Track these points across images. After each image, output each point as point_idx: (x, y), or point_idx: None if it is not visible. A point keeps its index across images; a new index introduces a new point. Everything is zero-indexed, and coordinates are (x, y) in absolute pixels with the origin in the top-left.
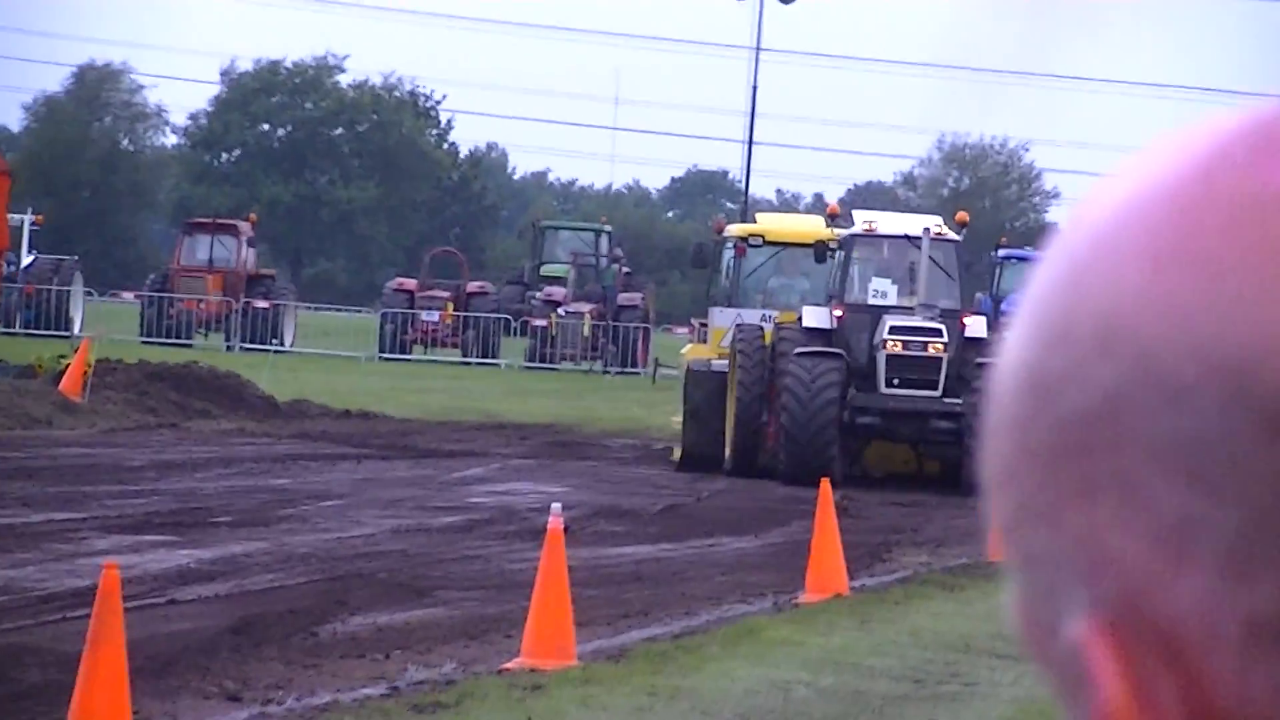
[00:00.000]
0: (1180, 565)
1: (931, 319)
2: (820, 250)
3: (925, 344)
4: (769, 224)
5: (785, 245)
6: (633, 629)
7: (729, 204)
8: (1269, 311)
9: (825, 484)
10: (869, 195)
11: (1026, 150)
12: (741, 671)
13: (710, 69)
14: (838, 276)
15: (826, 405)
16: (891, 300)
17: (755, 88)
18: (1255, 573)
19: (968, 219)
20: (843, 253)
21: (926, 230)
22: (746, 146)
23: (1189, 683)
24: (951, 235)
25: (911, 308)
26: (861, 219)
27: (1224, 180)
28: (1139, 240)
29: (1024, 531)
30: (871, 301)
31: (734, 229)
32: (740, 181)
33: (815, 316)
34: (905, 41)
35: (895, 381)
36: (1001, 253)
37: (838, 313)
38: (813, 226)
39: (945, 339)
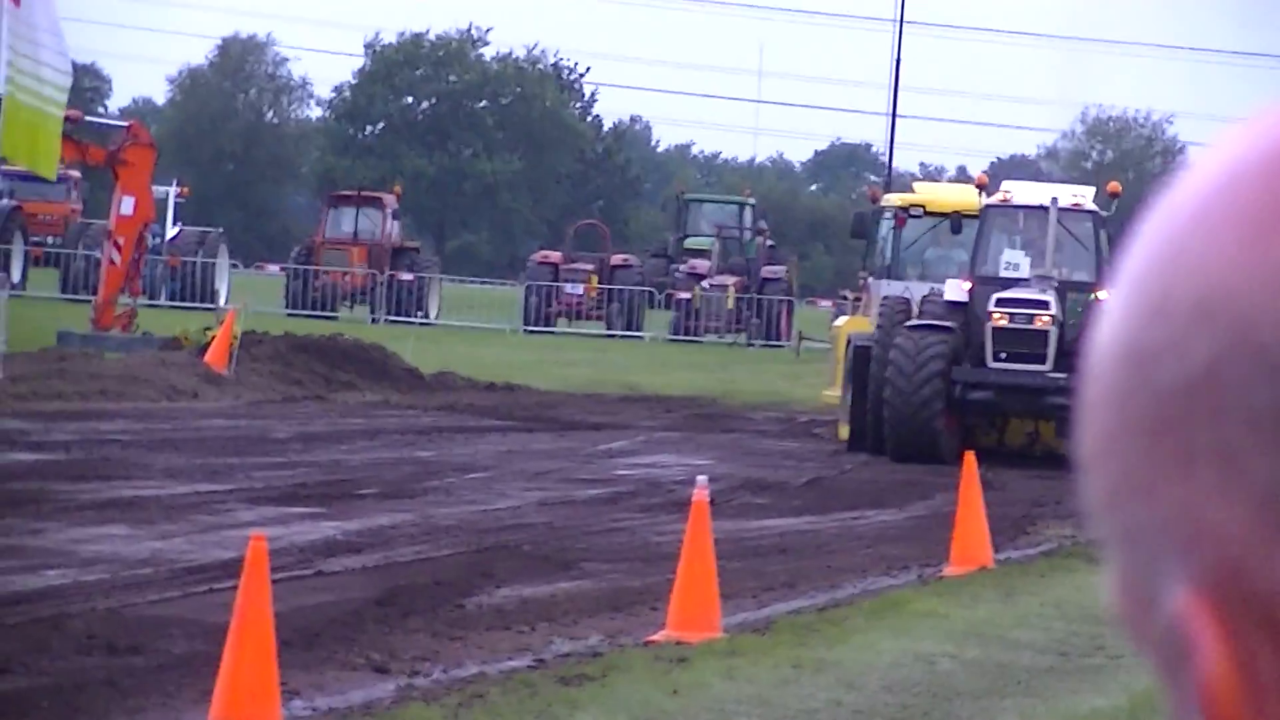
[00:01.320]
0: None
1: (1044, 291)
2: (956, 222)
3: (1032, 316)
4: (929, 193)
5: (946, 215)
6: (777, 601)
7: (872, 177)
8: None
9: (969, 457)
10: (1012, 168)
11: (1170, 123)
12: (886, 644)
13: (853, 42)
14: (974, 248)
15: (930, 379)
16: (1024, 272)
17: (898, 60)
18: None
19: (1120, 189)
20: (980, 224)
21: (1055, 200)
22: (890, 119)
23: None
24: (1089, 206)
25: (1029, 279)
26: (1006, 188)
27: None
28: (1234, 211)
29: (1123, 505)
30: (1003, 274)
31: (893, 198)
32: (883, 155)
33: (954, 289)
34: (1049, 14)
35: (1003, 355)
36: None
37: (967, 285)
38: (973, 196)
39: (1054, 311)
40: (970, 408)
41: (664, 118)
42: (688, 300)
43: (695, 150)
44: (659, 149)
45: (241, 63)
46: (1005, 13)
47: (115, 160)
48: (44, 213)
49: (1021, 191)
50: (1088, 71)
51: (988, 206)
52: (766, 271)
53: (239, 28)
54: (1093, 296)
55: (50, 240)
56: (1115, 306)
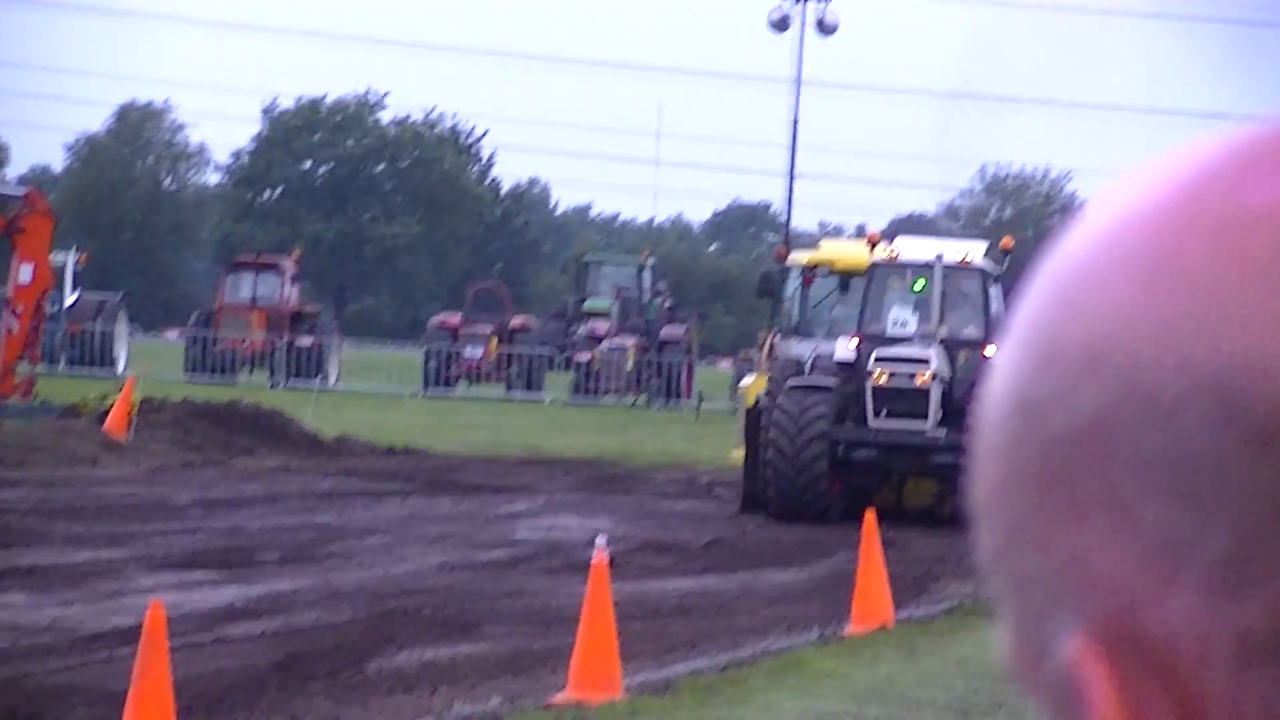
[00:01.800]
0: (1171, 583)
1: (926, 347)
2: (844, 280)
3: (912, 374)
4: (835, 251)
5: (854, 274)
6: (679, 662)
7: (771, 236)
8: (1254, 328)
9: (870, 515)
10: (912, 226)
11: (1069, 179)
12: (788, 704)
13: (751, 101)
14: (861, 306)
15: (812, 440)
16: (912, 330)
17: (796, 120)
18: (1246, 589)
19: (1012, 245)
20: (867, 281)
21: (939, 257)
22: (788, 179)
23: (1182, 701)
24: (978, 262)
25: (910, 338)
26: (892, 246)
27: (1209, 198)
28: (1125, 259)
29: (1014, 556)
30: (891, 332)
31: (799, 256)
32: (782, 214)
33: (842, 348)
34: (947, 72)
35: (883, 413)
36: None
37: (854, 343)
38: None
39: (935, 368)
40: (854, 467)
41: (563, 179)
42: (588, 362)
43: (594, 212)
44: (558, 211)
45: (139, 129)
46: (903, 71)
47: (13, 229)
48: None
49: (909, 248)
50: (985, 129)
51: (874, 264)
52: (666, 332)
53: (136, 94)
54: (981, 353)
55: None
56: (1006, 356)
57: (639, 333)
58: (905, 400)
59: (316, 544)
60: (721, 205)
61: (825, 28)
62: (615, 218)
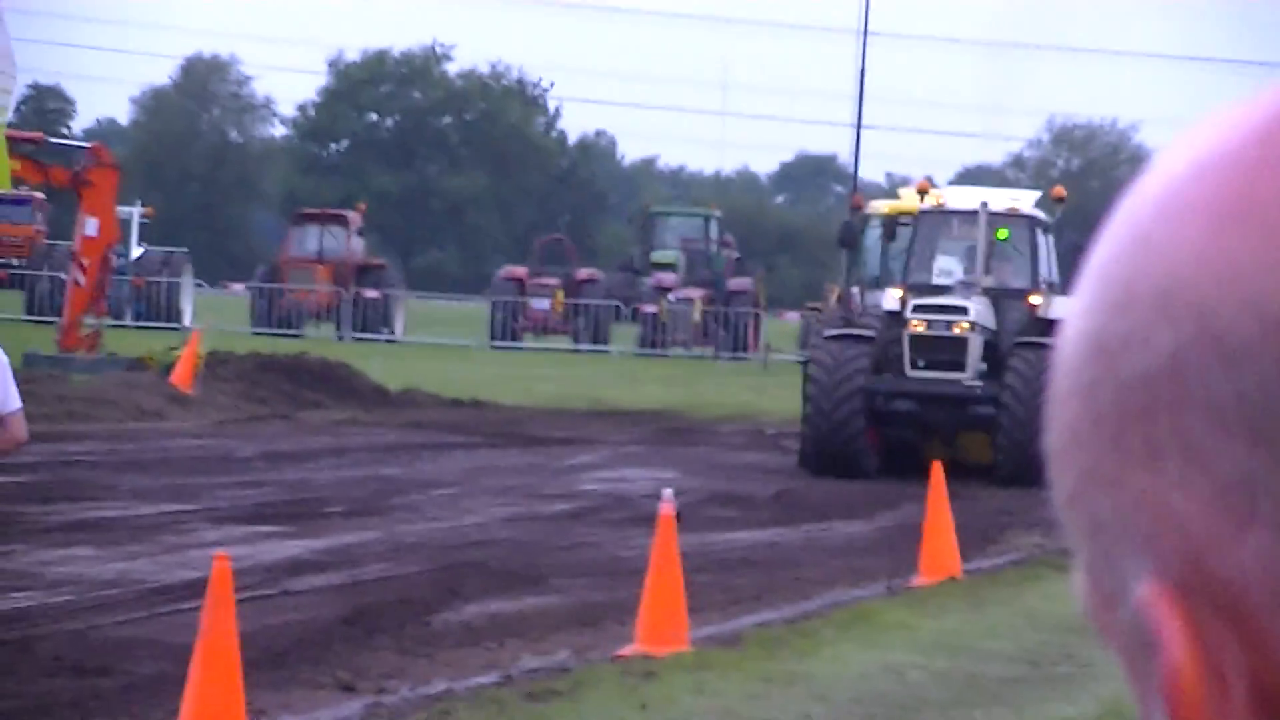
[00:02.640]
0: (1243, 526)
1: (967, 297)
2: (890, 227)
3: (950, 323)
4: (916, 200)
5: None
6: (746, 614)
7: (839, 188)
8: None
9: (937, 466)
10: (979, 177)
11: (1136, 130)
12: (855, 656)
13: (818, 53)
14: (907, 255)
15: (850, 395)
16: (957, 279)
17: (863, 71)
18: None
19: (1064, 194)
20: (913, 230)
21: (984, 205)
22: (855, 130)
23: (1255, 644)
24: (1026, 210)
25: (949, 286)
26: (945, 193)
27: (1278, 140)
28: (1198, 203)
29: (1088, 499)
30: (936, 280)
31: (879, 206)
32: (849, 165)
33: (889, 298)
34: (1012, 22)
35: (920, 363)
36: None
37: (898, 293)
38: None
39: (974, 318)
40: (893, 419)
41: (629, 132)
42: (654, 314)
43: (661, 164)
44: (624, 163)
45: (205, 82)
46: (969, 21)
47: (79, 182)
48: (8, 234)
49: (955, 196)
50: (1048, 79)
51: (921, 212)
52: (733, 284)
53: (201, 47)
54: (1027, 303)
55: (15, 262)
56: (1081, 299)
57: (705, 285)
58: (943, 350)
59: (382, 497)
60: (788, 157)
61: None
62: (681, 169)
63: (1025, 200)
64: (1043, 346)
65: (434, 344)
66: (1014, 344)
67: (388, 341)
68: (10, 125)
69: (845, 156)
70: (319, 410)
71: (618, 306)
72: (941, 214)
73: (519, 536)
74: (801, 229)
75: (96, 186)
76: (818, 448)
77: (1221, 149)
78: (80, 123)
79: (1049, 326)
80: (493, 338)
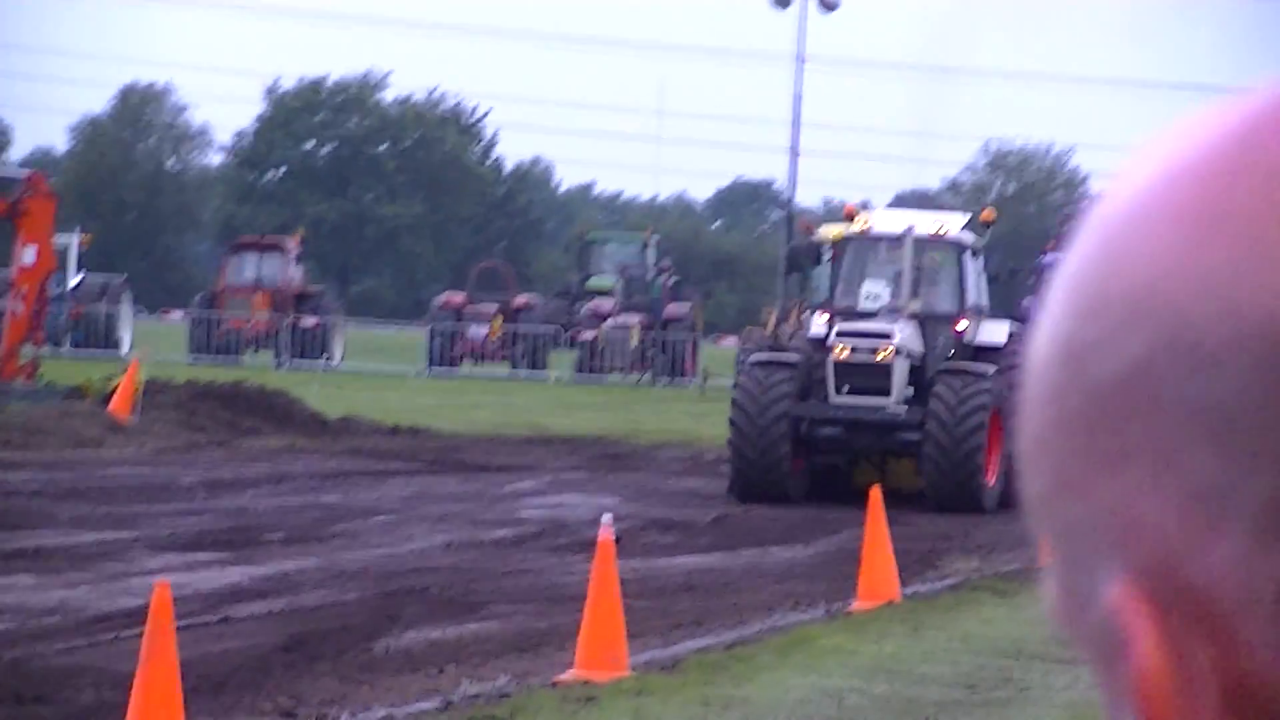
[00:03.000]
0: (1213, 530)
1: (892, 322)
2: (791, 258)
3: (873, 349)
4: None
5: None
6: (685, 639)
7: (775, 213)
8: None
9: (875, 491)
10: (914, 202)
11: (1071, 155)
12: (794, 680)
13: (753, 78)
14: (832, 280)
15: (776, 419)
16: (884, 304)
17: (799, 96)
18: None
19: (994, 217)
20: (840, 255)
21: (910, 229)
22: (792, 155)
23: (1223, 648)
24: (953, 235)
25: (874, 312)
26: (872, 218)
27: (1254, 147)
28: (1171, 207)
29: (1057, 504)
30: (862, 306)
31: (829, 230)
32: (785, 191)
33: (816, 323)
34: (948, 48)
35: (844, 389)
36: (1047, 258)
37: (824, 318)
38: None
39: (898, 343)
40: (818, 445)
41: (565, 158)
42: (592, 340)
43: (597, 190)
44: (560, 190)
45: (141, 111)
46: (905, 47)
47: (16, 211)
48: None
49: (882, 220)
50: (985, 104)
51: (846, 237)
52: (670, 310)
53: (138, 76)
54: (953, 329)
55: None
56: (1052, 307)
57: (643, 311)
58: (866, 376)
59: (322, 524)
60: (724, 183)
61: (827, 4)
62: (618, 196)
63: (952, 223)
64: (968, 373)
65: (372, 371)
66: (939, 369)
67: (325, 369)
68: None
69: (781, 182)
70: (258, 438)
71: (555, 333)
72: (868, 239)
73: (459, 563)
74: (738, 254)
75: (33, 215)
76: (743, 474)
77: (1194, 155)
78: (16, 151)
79: (975, 352)
80: (430, 364)
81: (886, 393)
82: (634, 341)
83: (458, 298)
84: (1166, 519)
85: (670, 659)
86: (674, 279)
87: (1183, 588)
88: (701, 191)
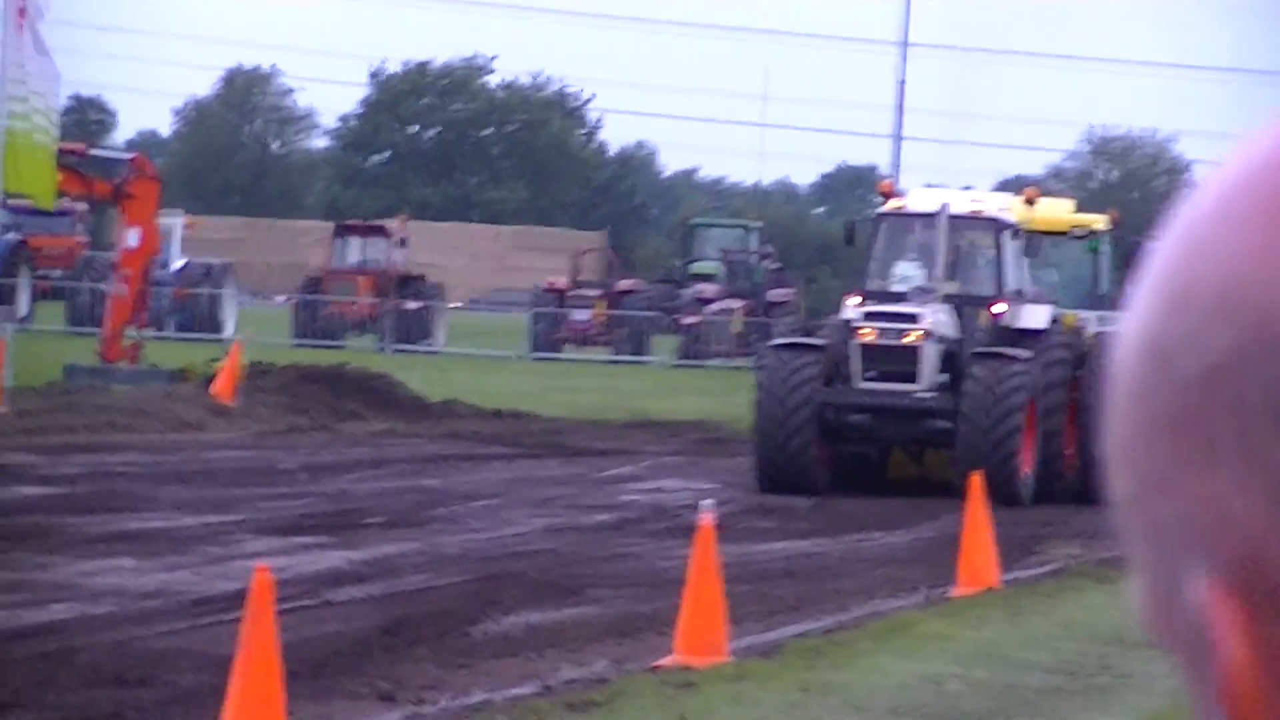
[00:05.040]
0: None
1: (922, 304)
2: (848, 231)
3: (900, 332)
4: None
5: (1027, 233)
6: (784, 625)
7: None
8: None
9: (975, 478)
10: (1017, 189)
11: (1175, 141)
12: (894, 666)
13: (858, 64)
14: (865, 260)
15: (800, 404)
16: (917, 285)
17: (903, 82)
18: None
19: (1037, 195)
20: (872, 234)
21: (944, 207)
22: (895, 141)
23: None
24: (990, 213)
25: (904, 294)
26: (907, 196)
27: None
28: (1255, 206)
29: (1146, 501)
30: (895, 287)
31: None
32: (889, 177)
33: (848, 306)
34: (1053, 34)
35: (871, 374)
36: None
37: (856, 300)
38: (1059, 212)
39: (928, 326)
40: (845, 433)
41: (669, 143)
42: (695, 325)
43: (701, 175)
44: (664, 175)
45: (246, 94)
46: (1009, 33)
47: (120, 193)
48: (50, 246)
49: (917, 198)
50: (1093, 91)
51: (880, 215)
52: (773, 295)
53: (243, 59)
54: (989, 311)
55: (56, 273)
56: (1139, 304)
57: (746, 296)
58: (893, 359)
59: (422, 508)
60: (828, 168)
61: None
62: (722, 181)
63: (991, 202)
64: (1002, 357)
65: (474, 355)
66: (973, 353)
67: (428, 353)
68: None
69: (885, 168)
70: (359, 422)
71: (658, 318)
72: (901, 217)
73: (558, 547)
74: (841, 241)
75: (137, 198)
76: (767, 462)
77: (1276, 154)
78: (122, 134)
79: (1015, 336)
80: (533, 349)
81: (914, 378)
82: (737, 327)
83: (561, 282)
84: (1254, 515)
85: (769, 644)
86: (776, 265)
87: (1270, 584)
88: (805, 177)
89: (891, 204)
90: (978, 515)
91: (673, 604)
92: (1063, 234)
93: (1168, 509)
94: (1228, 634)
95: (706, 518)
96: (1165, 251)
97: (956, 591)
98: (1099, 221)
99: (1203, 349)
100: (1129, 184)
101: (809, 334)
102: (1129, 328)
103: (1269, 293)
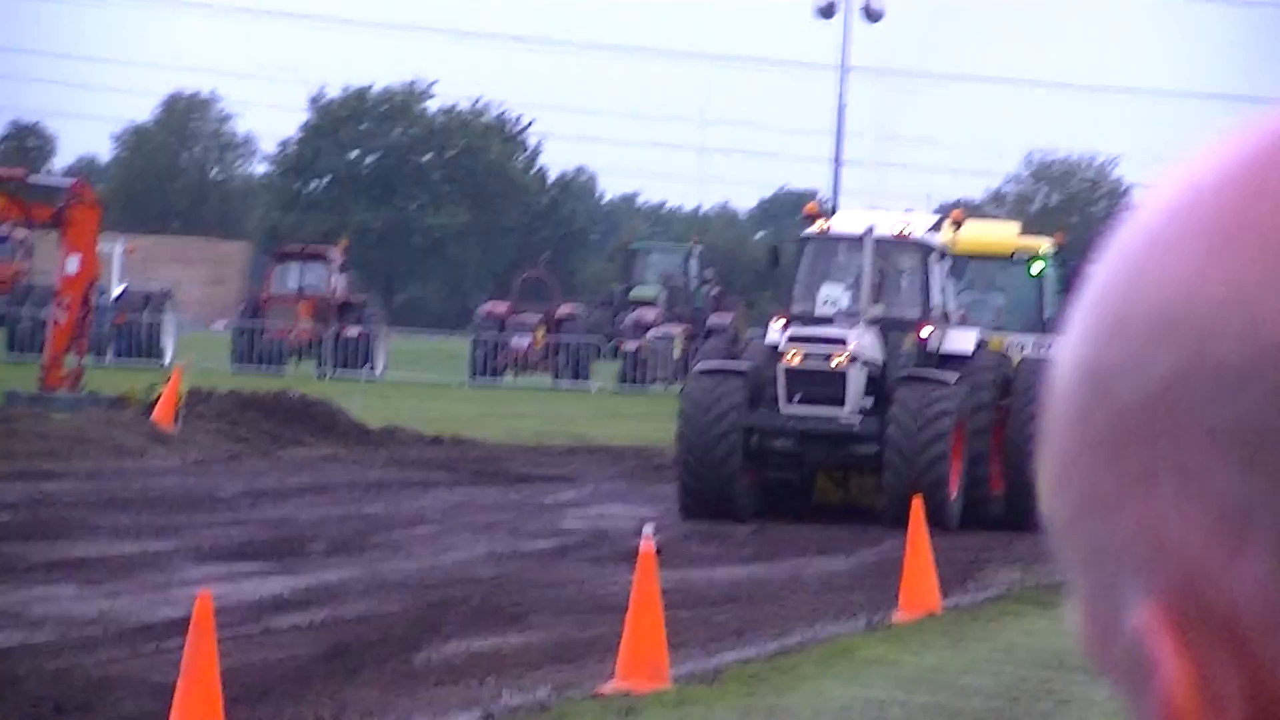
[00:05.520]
0: (1240, 550)
1: (847, 328)
2: (772, 254)
3: (827, 356)
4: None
5: (971, 256)
6: (726, 650)
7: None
8: None
9: (917, 501)
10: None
11: (1115, 165)
12: (836, 691)
13: (797, 88)
14: (790, 283)
15: (726, 431)
16: (843, 308)
17: (843, 106)
18: None
19: (963, 217)
20: (798, 256)
21: (870, 229)
22: (835, 166)
23: (1250, 669)
24: (916, 236)
25: (829, 318)
26: (834, 217)
27: (1276, 166)
28: (1193, 228)
29: (1084, 524)
30: (820, 311)
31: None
32: (829, 201)
33: (772, 330)
34: (991, 58)
35: (797, 398)
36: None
37: (780, 324)
38: (1004, 235)
39: (854, 350)
40: (771, 458)
41: (609, 167)
42: (635, 350)
43: (641, 200)
44: (605, 199)
45: (186, 119)
46: (948, 57)
47: (60, 219)
48: None
49: (844, 220)
50: (1033, 114)
51: (804, 237)
52: (714, 320)
53: (183, 84)
54: (916, 335)
55: None
56: (1075, 328)
57: (686, 320)
58: (819, 383)
59: (364, 534)
60: (768, 193)
61: (871, 14)
62: (662, 205)
63: (917, 224)
64: (929, 381)
65: (415, 381)
66: (900, 377)
67: (369, 379)
68: None
69: (825, 192)
70: (300, 448)
71: (598, 343)
72: (827, 239)
73: (500, 573)
74: (782, 265)
75: (77, 224)
76: (691, 490)
77: (1216, 175)
78: (61, 160)
79: (942, 360)
80: (473, 374)
81: (840, 402)
82: (677, 352)
83: (501, 307)
84: (1191, 540)
85: (712, 670)
86: (717, 289)
87: (1209, 608)
88: (745, 201)
89: (817, 226)
90: (919, 540)
91: (614, 630)
92: (1007, 257)
93: (1106, 533)
94: (1165, 659)
95: (648, 543)
96: (1103, 275)
97: (898, 616)
98: (1043, 245)
99: (1141, 374)
100: (1069, 208)
101: (733, 358)
102: (1067, 351)
103: (1206, 316)
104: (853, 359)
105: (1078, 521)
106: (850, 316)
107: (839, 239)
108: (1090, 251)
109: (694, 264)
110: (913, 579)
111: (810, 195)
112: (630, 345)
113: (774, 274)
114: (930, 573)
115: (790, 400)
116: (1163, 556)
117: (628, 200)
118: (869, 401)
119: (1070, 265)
